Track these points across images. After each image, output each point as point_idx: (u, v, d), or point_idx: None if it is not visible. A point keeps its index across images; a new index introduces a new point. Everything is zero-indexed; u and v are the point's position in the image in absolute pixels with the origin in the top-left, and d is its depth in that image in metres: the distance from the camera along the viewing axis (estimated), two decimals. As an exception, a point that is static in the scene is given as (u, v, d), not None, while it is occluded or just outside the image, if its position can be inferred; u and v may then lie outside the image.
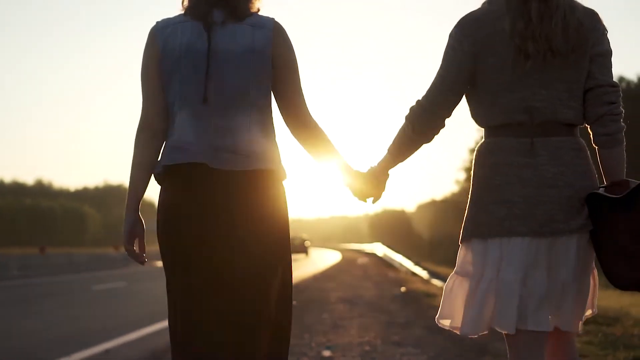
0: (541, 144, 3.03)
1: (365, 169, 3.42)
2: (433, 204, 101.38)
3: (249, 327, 3.02)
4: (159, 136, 3.15)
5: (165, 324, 10.96)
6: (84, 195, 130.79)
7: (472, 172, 3.18)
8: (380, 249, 48.24)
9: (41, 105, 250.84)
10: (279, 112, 3.22)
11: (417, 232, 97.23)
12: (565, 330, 3.08)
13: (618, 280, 3.02)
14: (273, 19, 3.14)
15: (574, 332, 3.13)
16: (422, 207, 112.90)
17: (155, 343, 9.03)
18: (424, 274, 23.55)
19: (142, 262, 3.32)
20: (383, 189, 3.43)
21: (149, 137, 3.14)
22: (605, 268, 3.03)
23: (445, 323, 3.19)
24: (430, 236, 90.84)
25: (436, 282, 19.88)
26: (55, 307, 15.12)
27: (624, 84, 51.86)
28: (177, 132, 3.05)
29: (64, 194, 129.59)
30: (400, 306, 12.75)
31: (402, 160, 3.38)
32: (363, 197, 3.45)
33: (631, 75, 69.38)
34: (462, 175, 78.87)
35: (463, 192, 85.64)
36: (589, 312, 3.16)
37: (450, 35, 3.15)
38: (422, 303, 13.36)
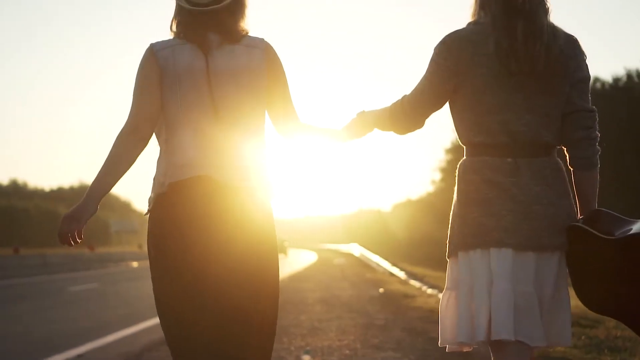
0: (524, 164, 3.14)
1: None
2: (409, 203, 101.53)
3: (241, 336, 3.18)
4: (143, 144, 3.23)
5: (140, 326, 10.87)
6: (59, 196, 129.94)
7: (456, 187, 3.27)
8: (356, 250, 48.19)
9: (15, 105, 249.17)
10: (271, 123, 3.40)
11: (392, 232, 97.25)
12: (555, 344, 3.18)
13: (592, 304, 3.20)
14: (263, 39, 3.32)
15: (566, 345, 3.23)
16: (398, 207, 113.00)
17: (130, 346, 8.84)
18: (401, 274, 23.47)
19: (71, 244, 3.23)
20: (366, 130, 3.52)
21: (135, 141, 3.20)
22: (583, 291, 3.19)
23: (452, 342, 3.23)
24: (406, 236, 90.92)
25: (414, 282, 19.79)
26: (30, 310, 14.88)
27: (598, 85, 52.16)
28: (180, 149, 3.18)
29: (38, 194, 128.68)
30: (378, 307, 12.63)
31: (377, 128, 3.49)
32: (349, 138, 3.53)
33: (606, 76, 69.73)
34: (438, 176, 79.04)
35: (439, 192, 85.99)
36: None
37: (435, 51, 3.24)
38: (400, 304, 13.23)
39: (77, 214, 3.17)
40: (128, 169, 3.23)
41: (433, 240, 76.97)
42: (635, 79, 70.36)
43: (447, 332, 3.24)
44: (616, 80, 63.33)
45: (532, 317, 3.08)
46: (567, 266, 3.21)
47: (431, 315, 10.95)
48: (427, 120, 3.39)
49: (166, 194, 3.19)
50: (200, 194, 3.16)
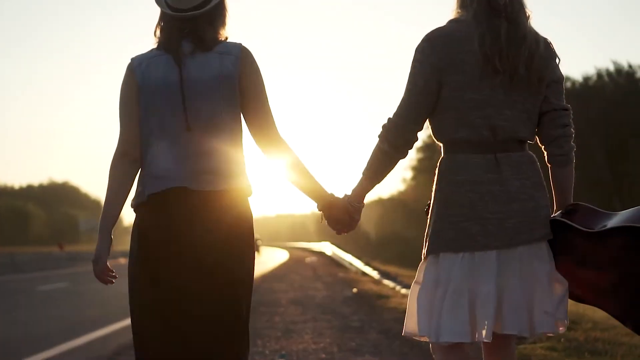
0: (504, 159, 3.22)
1: (340, 195, 3.52)
2: (380, 202, 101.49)
3: (219, 342, 3.24)
4: (136, 164, 3.33)
5: (110, 328, 10.64)
6: (28, 194, 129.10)
7: (435, 186, 3.32)
8: (328, 248, 48.04)
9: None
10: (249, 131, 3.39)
11: (363, 231, 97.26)
12: (545, 331, 3.27)
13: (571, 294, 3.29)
14: (240, 44, 3.33)
15: (555, 333, 3.32)
16: (369, 206, 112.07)
17: (100, 350, 8.62)
18: (374, 274, 23.33)
19: (109, 282, 3.44)
20: (358, 218, 3.53)
21: (128, 164, 3.31)
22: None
23: (414, 334, 3.30)
24: (377, 234, 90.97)
25: (387, 282, 19.63)
26: (-3, 310, 14.58)
27: (569, 84, 52.38)
28: (157, 161, 3.24)
29: (7, 192, 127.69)
30: (353, 308, 12.45)
31: (378, 182, 3.46)
32: (338, 228, 3.56)
33: (576, 75, 70.15)
34: (409, 174, 79.08)
35: (410, 190, 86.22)
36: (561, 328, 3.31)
37: (417, 50, 3.28)
38: (375, 305, 13.07)
39: (96, 256, 3.38)
40: (129, 190, 3.35)
41: (404, 239, 77.41)
42: (606, 78, 70.82)
43: (410, 324, 3.31)
44: (586, 79, 63.62)
45: (516, 310, 3.17)
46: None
47: (407, 317, 10.82)
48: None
49: (145, 204, 3.26)
50: (176, 204, 3.22)
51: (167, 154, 3.23)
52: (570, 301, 3.31)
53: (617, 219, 3.14)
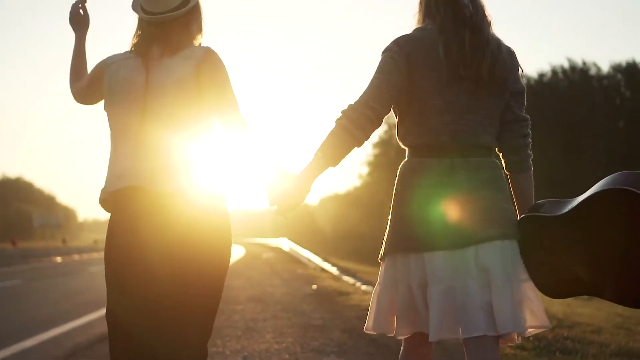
0: (461, 163, 3.28)
1: (288, 173, 3.38)
2: (336, 197, 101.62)
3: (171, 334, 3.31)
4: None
5: (65, 328, 10.28)
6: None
7: (394, 188, 3.39)
8: (285, 244, 47.85)
9: None
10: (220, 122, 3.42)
11: (320, 226, 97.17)
12: (507, 332, 3.20)
13: (544, 290, 3.33)
14: (207, 47, 3.36)
15: (520, 334, 3.27)
16: (325, 201, 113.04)
17: (53, 350, 8.28)
18: (333, 270, 23.15)
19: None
20: (302, 199, 3.36)
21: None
22: (540, 279, 3.31)
23: (373, 330, 3.40)
24: (334, 230, 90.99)
25: (347, 279, 19.48)
26: (-54, 309, 14.12)
27: (523, 80, 52.68)
28: (119, 159, 3.33)
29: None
30: (313, 306, 12.22)
31: (330, 163, 3.33)
32: (279, 204, 3.35)
33: (531, 72, 70.55)
34: (365, 170, 79.20)
35: (365, 186, 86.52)
36: (535, 324, 3.28)
37: (387, 50, 3.33)
38: (336, 302, 12.85)
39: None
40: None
41: (360, 234, 77.68)
42: (560, 75, 71.45)
43: (370, 322, 3.41)
44: (541, 75, 64.08)
45: (469, 310, 3.18)
46: (522, 257, 3.31)
47: (369, 315, 10.62)
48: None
49: (107, 200, 3.37)
50: (130, 203, 3.29)
51: (127, 153, 3.31)
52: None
53: (582, 196, 3.20)
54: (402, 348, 3.48)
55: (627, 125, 67.80)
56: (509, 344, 3.35)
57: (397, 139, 3.43)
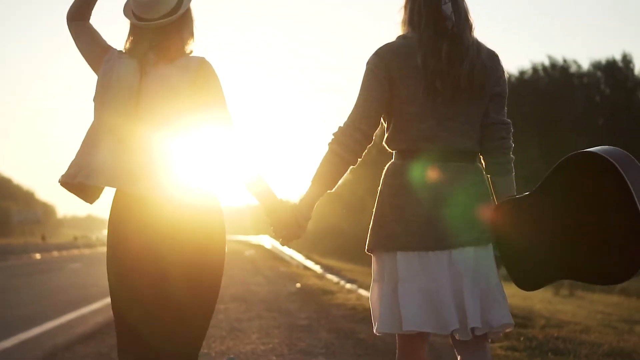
0: (442, 168, 3.35)
1: (288, 203, 3.54)
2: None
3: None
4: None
5: (45, 327, 10.05)
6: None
7: (379, 188, 3.48)
8: (267, 241, 47.66)
9: None
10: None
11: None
12: (482, 333, 3.33)
13: (524, 285, 3.41)
14: (202, 58, 3.42)
15: (492, 334, 3.40)
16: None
17: (30, 351, 8.06)
18: (316, 268, 23.00)
19: None
20: (305, 227, 3.53)
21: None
22: (519, 272, 3.41)
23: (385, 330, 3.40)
24: (314, 227, 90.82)
25: (331, 277, 19.32)
26: None
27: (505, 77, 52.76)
28: (102, 155, 3.31)
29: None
30: (298, 305, 12.05)
31: (328, 188, 3.53)
32: (284, 234, 3.53)
33: (512, 69, 70.67)
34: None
35: (347, 183, 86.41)
36: (502, 323, 3.36)
37: (368, 63, 3.42)
38: (321, 301, 12.69)
39: None
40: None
41: (341, 232, 77.54)
42: (541, 73, 71.65)
43: (376, 321, 3.42)
44: (522, 73, 64.19)
45: (442, 308, 3.26)
46: (500, 252, 3.41)
47: (355, 314, 10.48)
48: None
49: (73, 187, 3.39)
50: (116, 206, 3.39)
51: (112, 151, 3.31)
52: (519, 296, 3.38)
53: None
54: (398, 351, 3.48)
55: (607, 122, 68.13)
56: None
57: (384, 144, 3.48)
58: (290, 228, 3.52)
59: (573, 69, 72.37)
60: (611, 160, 3.09)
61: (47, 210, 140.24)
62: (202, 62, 3.41)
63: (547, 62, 73.05)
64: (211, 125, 3.43)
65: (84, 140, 3.40)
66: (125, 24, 3.51)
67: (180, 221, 3.32)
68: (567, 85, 70.09)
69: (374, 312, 3.43)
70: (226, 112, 3.45)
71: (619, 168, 3.07)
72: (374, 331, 3.43)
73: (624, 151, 3.15)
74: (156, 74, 3.36)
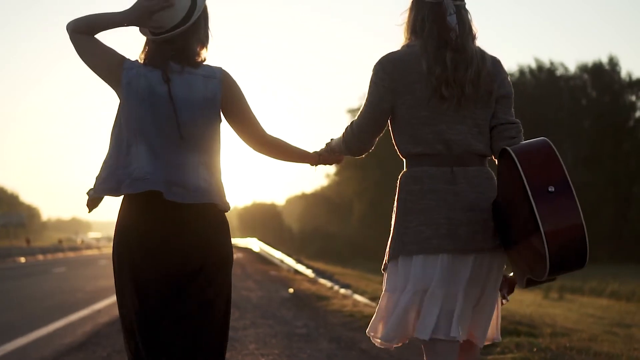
0: (460, 172, 3.41)
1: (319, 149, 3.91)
2: (303, 197, 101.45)
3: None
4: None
5: (32, 336, 9.62)
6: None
7: (396, 196, 3.51)
8: (255, 244, 47.32)
9: None
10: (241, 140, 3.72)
11: (287, 226, 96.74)
12: (477, 343, 3.49)
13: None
14: (221, 68, 3.54)
15: (480, 345, 3.54)
16: (292, 201, 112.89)
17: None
18: (308, 272, 22.65)
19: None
20: (342, 158, 3.88)
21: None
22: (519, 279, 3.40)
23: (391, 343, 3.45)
24: (301, 229, 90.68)
25: (323, 281, 18.98)
26: None
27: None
28: (136, 163, 3.35)
29: None
30: (294, 312, 11.66)
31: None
32: (332, 160, 3.89)
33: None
34: (332, 169, 79.02)
35: (333, 185, 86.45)
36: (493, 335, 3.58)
37: (373, 71, 3.50)
38: (316, 307, 12.31)
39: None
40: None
41: (327, 234, 77.54)
42: (528, 75, 71.67)
43: (379, 330, 3.47)
44: (509, 75, 64.33)
45: (459, 316, 3.35)
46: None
47: (353, 321, 10.12)
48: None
49: (123, 201, 3.43)
50: (151, 209, 3.38)
51: (145, 159, 3.34)
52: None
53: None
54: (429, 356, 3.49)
55: (593, 125, 68.21)
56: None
57: (396, 150, 3.54)
58: (334, 160, 3.90)
59: (560, 71, 72.43)
60: (508, 149, 3.28)
61: (31, 212, 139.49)
62: (224, 72, 3.54)
63: (533, 65, 73.05)
64: (243, 134, 3.66)
65: (113, 149, 3.41)
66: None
67: (215, 227, 3.48)
68: (553, 87, 70.10)
69: (381, 323, 3.45)
70: (252, 114, 3.64)
71: (512, 152, 3.25)
72: (378, 343, 3.48)
73: (541, 139, 3.34)
74: (182, 82, 3.43)
